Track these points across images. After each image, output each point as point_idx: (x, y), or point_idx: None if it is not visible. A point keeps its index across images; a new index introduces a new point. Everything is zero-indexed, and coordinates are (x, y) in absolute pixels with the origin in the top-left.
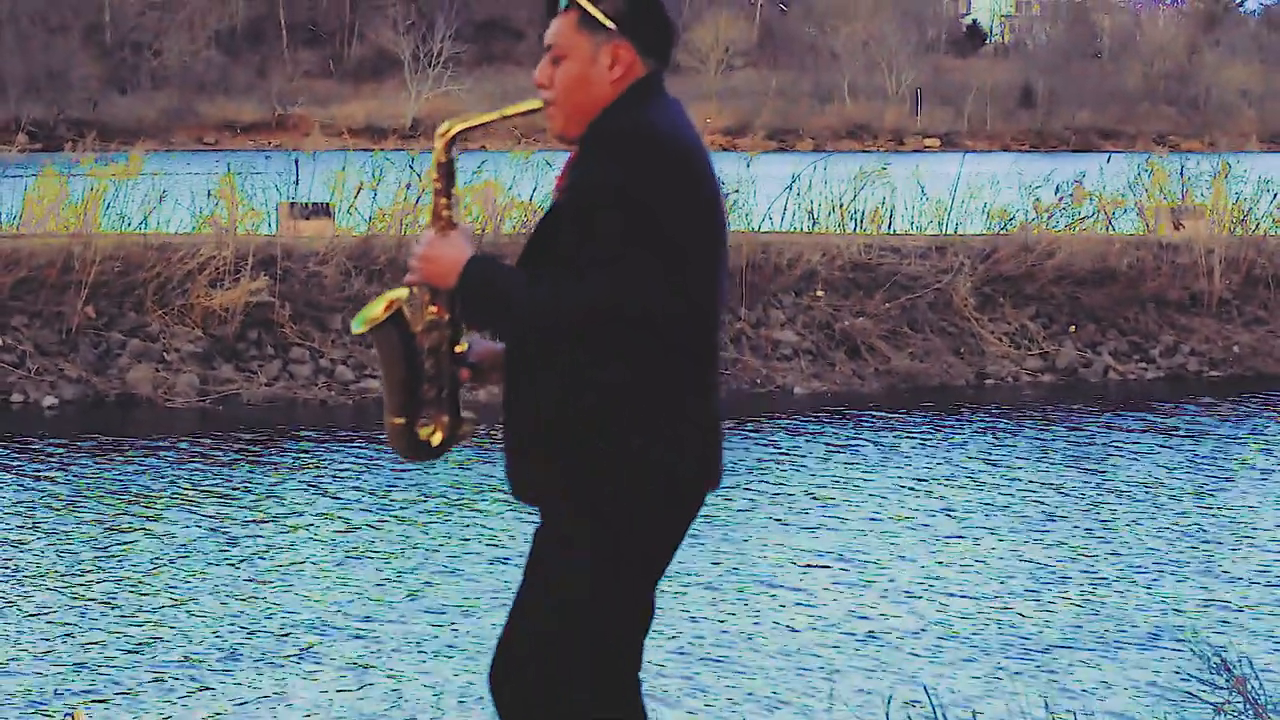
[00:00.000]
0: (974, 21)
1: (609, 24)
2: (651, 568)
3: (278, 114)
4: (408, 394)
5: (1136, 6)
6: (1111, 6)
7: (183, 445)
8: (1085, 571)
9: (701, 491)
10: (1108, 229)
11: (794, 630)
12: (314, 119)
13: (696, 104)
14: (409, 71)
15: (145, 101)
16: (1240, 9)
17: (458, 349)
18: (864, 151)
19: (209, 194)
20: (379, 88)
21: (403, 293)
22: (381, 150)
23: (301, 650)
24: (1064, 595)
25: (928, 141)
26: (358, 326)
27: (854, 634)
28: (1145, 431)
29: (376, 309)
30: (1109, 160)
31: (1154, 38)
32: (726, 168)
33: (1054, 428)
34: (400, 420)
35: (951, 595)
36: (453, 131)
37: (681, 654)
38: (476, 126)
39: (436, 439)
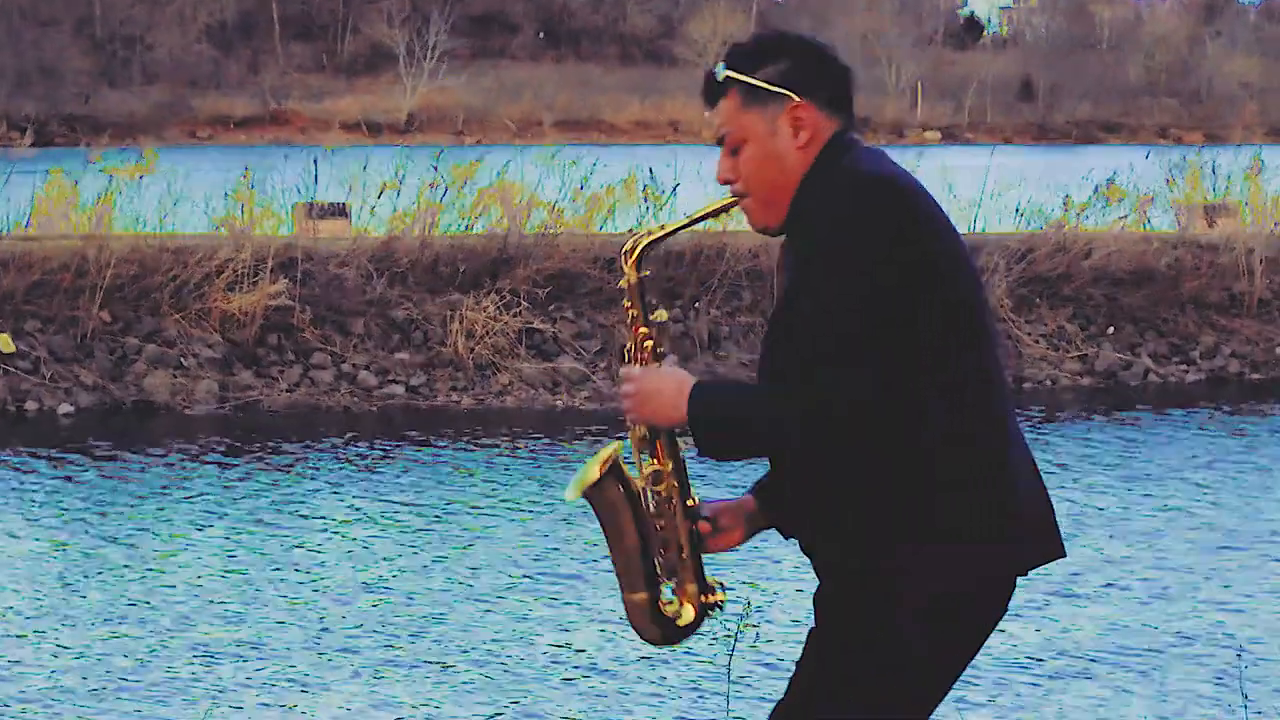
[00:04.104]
0: (971, 14)
1: (777, 90)
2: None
3: (271, 109)
4: (643, 563)
5: (1137, 0)
6: None
7: (202, 453)
8: (1125, 579)
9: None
10: (1143, 227)
11: None
12: (308, 114)
13: (694, 98)
14: (404, 65)
15: (137, 96)
16: (1239, 1)
17: (690, 503)
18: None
19: (226, 195)
20: (373, 82)
21: (615, 446)
22: (403, 145)
23: (324, 659)
24: (1101, 603)
25: (928, 135)
26: (572, 493)
27: None
28: (1186, 435)
29: (590, 471)
30: (1141, 157)
31: (1154, 29)
32: None
33: (1095, 432)
34: (641, 596)
35: None
36: (640, 247)
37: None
38: (664, 237)
39: (687, 616)
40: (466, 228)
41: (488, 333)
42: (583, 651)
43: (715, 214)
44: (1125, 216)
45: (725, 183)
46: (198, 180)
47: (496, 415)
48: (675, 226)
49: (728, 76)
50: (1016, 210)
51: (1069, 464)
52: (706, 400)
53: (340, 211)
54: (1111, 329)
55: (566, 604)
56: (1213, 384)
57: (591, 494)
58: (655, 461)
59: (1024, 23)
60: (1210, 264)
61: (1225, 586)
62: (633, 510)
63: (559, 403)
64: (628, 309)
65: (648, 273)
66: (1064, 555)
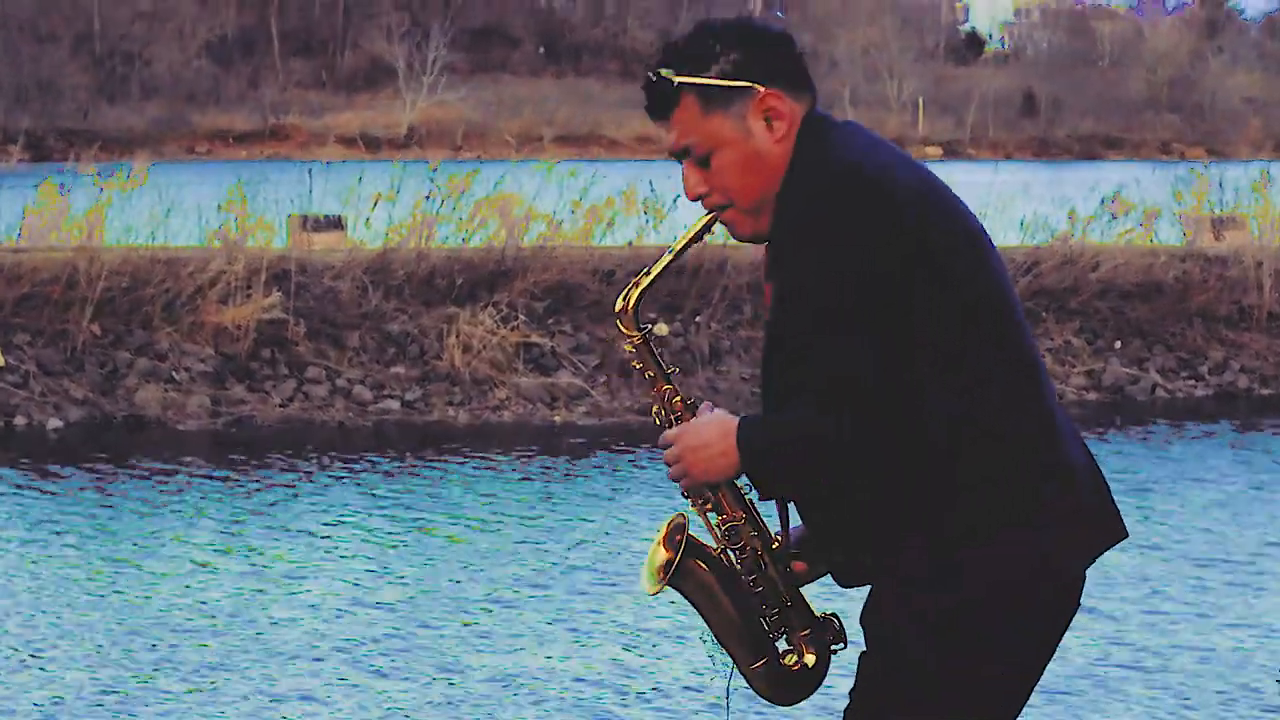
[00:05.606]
0: (973, 28)
1: (737, 84)
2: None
3: (271, 124)
4: (750, 630)
5: (1138, 15)
6: (1112, 14)
7: (194, 468)
8: (1128, 597)
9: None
10: (1150, 240)
11: None
12: (308, 129)
13: None
14: (403, 80)
15: (135, 111)
16: (1241, 16)
17: (775, 545)
18: None
19: (219, 207)
20: (373, 97)
21: (676, 518)
22: (400, 160)
23: (314, 675)
24: (1102, 622)
25: (930, 150)
26: (651, 585)
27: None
28: (1196, 451)
29: (659, 555)
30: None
31: (1155, 45)
32: None
33: (1103, 447)
34: (760, 663)
35: None
36: (632, 303)
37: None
38: (652, 283)
39: (810, 660)
40: (463, 240)
41: (484, 346)
42: (580, 664)
43: (699, 236)
44: (1132, 230)
45: (698, 198)
46: (192, 193)
47: (493, 430)
48: (661, 266)
49: (680, 83)
50: (1021, 224)
51: None
52: (756, 434)
53: (335, 224)
54: (1119, 343)
55: (564, 621)
56: (1222, 399)
57: (674, 581)
58: (725, 516)
59: (1025, 38)
60: (1219, 277)
61: (1242, 606)
62: (720, 580)
63: (557, 418)
64: (641, 370)
65: (649, 327)
66: (1124, 536)
